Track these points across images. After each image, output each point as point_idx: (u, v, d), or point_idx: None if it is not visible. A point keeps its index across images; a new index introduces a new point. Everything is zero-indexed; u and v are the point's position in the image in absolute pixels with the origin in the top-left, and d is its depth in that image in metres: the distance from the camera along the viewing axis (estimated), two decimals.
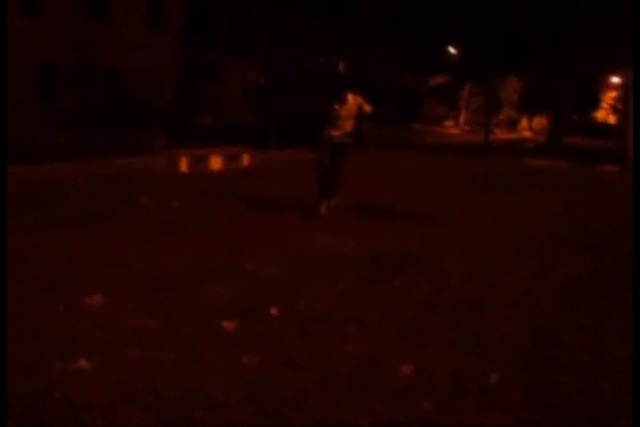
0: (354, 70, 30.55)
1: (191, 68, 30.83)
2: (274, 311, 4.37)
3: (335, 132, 8.03)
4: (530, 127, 45.88)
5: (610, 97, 45.07)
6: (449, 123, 47.67)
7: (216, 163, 13.34)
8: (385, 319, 4.34)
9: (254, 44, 32.89)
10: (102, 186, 9.47)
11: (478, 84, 38.55)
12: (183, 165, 12.66)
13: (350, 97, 8.00)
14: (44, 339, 3.76)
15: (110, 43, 26.29)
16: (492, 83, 34.62)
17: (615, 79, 38.94)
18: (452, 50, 40.78)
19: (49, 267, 5.21)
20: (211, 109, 29.88)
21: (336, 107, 7.96)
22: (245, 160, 14.11)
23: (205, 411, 3.00)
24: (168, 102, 28.46)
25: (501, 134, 40.11)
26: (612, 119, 44.85)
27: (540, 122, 43.35)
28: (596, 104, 45.35)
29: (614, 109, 43.39)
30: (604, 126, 42.49)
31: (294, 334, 4.01)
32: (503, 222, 7.96)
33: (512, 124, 46.80)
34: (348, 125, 8.07)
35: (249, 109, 30.02)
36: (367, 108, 8.14)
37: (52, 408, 2.97)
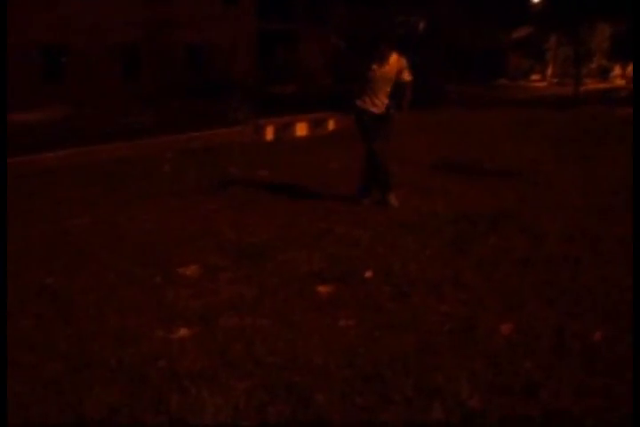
0: (433, 29, 29.91)
1: (269, 37, 30.84)
2: (368, 274, 4.34)
3: (374, 102, 6.53)
4: (623, 75, 43.95)
5: None
6: (535, 76, 46.20)
7: (301, 129, 13.35)
8: (481, 279, 4.25)
9: (330, 9, 32.54)
10: (191, 159, 9.62)
11: (565, 34, 37.06)
12: (269, 134, 12.72)
13: (393, 57, 6.50)
14: (145, 310, 3.85)
15: (187, 18, 26.53)
16: (581, 31, 33.19)
17: None
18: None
19: (144, 240, 5.33)
20: (291, 78, 29.87)
21: (374, 67, 6.47)
22: (330, 125, 14.05)
23: (305, 376, 3.00)
24: (249, 73, 28.61)
25: (592, 84, 38.59)
26: None
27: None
28: None
29: None
30: None
31: (390, 296, 3.97)
32: (597, 177, 7.67)
33: (604, 74, 44.94)
34: (385, 92, 6.57)
35: (329, 75, 29.83)
36: (407, 76, 6.58)
37: (157, 377, 3.04)
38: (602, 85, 38.95)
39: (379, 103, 6.58)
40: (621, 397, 2.79)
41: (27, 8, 21.65)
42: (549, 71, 45.34)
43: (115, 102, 20.89)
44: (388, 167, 6.57)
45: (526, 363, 3.10)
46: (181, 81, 26.22)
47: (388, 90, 6.59)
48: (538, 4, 38.34)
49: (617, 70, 45.74)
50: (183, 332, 3.53)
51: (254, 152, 10.12)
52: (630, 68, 42.74)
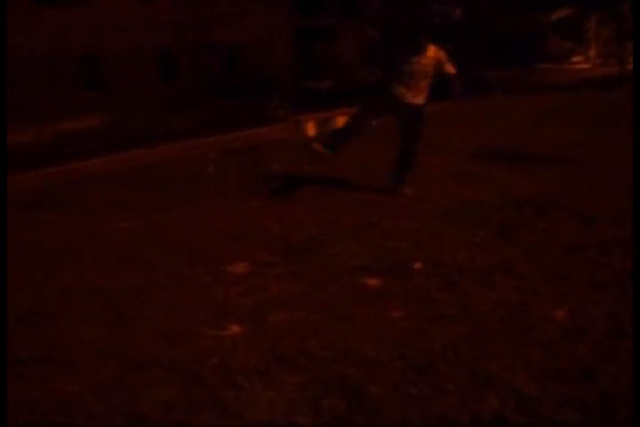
0: (470, 16, 29.60)
1: (305, 33, 30.85)
2: (417, 265, 4.32)
3: (411, 95, 6.44)
4: None
5: None
6: (578, 58, 45.36)
7: (341, 123, 13.32)
8: (532, 265, 4.20)
9: (366, 2, 32.42)
10: (234, 158, 9.66)
11: (606, 13, 36.29)
12: (310, 130, 12.74)
13: (432, 50, 6.40)
14: (196, 309, 3.89)
15: (221, 18, 26.67)
16: (622, 9, 32.45)
17: None
18: None
19: (191, 240, 5.39)
20: (329, 73, 29.86)
21: (413, 59, 6.35)
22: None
23: (358, 368, 3.01)
24: (286, 69, 28.67)
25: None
26: None
27: None
28: None
29: None
30: None
31: (439, 286, 3.95)
32: None
33: None
34: (423, 85, 6.45)
35: (367, 68, 29.74)
36: (450, 68, 6.49)
37: (210, 373, 3.07)
38: None
39: (417, 95, 6.49)
40: None
41: (62, 22, 22.01)
42: (592, 52, 44.48)
43: (154, 106, 21.13)
44: (412, 157, 6.72)
45: (581, 348, 3.06)
46: (219, 81, 26.39)
47: (427, 83, 6.49)
48: None
49: None
50: (234, 329, 3.55)
51: (296, 149, 10.12)
52: None
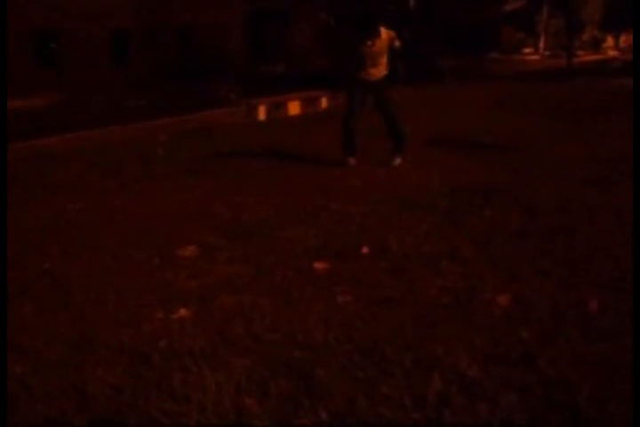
0: (425, 3, 29.68)
1: (259, 16, 30.61)
2: (364, 250, 4.36)
3: (371, 72, 7.24)
4: (616, 46, 43.78)
5: None
6: (528, 49, 45.97)
7: (294, 108, 13.31)
8: (478, 252, 4.28)
9: None
10: (184, 140, 9.60)
11: (557, 5, 36.85)
12: (262, 114, 12.69)
13: (384, 32, 7.18)
14: (144, 292, 3.87)
15: (177, 1, 26.31)
16: (572, 2, 32.97)
17: None
18: None
19: (140, 223, 5.35)
20: (282, 57, 29.72)
21: (368, 43, 7.12)
22: (323, 103, 14.01)
23: (305, 352, 3.03)
24: (239, 53, 28.45)
25: (585, 56, 38.43)
26: None
27: (627, 39, 41.33)
28: None
29: None
30: None
31: (387, 271, 3.99)
32: (593, 148, 7.67)
33: (596, 45, 44.75)
34: (381, 61, 7.25)
35: (320, 53, 29.67)
36: (397, 43, 7.28)
37: (158, 356, 3.07)
38: (595, 57, 38.79)
39: (375, 72, 7.25)
40: (619, 364, 2.83)
41: None
42: (541, 44, 45.14)
43: (107, 87, 20.79)
44: (399, 123, 7.37)
45: (524, 333, 3.13)
46: (172, 64, 26.08)
47: (384, 60, 7.26)
48: None
49: (609, 41, 45.55)
50: (182, 312, 3.55)
51: (247, 132, 10.11)
52: (623, 39, 42.55)
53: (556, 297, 3.52)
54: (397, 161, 7.28)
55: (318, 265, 4.12)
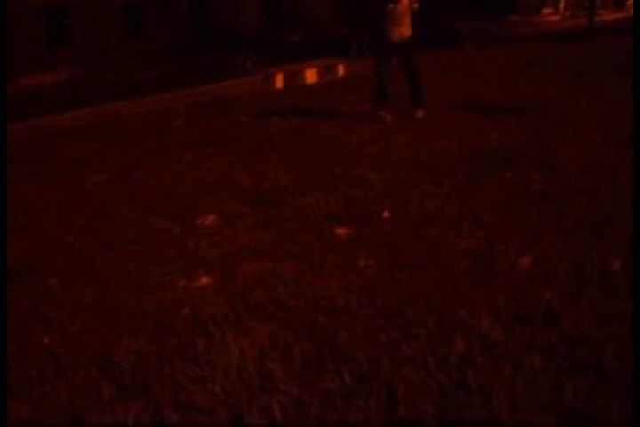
0: None
1: None
2: (385, 214, 4.34)
3: (397, 33, 7.55)
4: None
5: None
6: (548, 10, 45.11)
7: (311, 76, 13.22)
8: (499, 215, 4.24)
9: None
10: (202, 111, 9.58)
11: None
12: (279, 82, 12.61)
13: None
14: (166, 261, 3.90)
15: None
16: None
17: None
18: None
19: (161, 193, 5.37)
20: (298, 25, 29.40)
21: (391, 6, 7.44)
22: (340, 71, 13.89)
23: (327, 316, 3.05)
24: (254, 22, 28.20)
25: (607, 15, 37.63)
26: None
27: None
28: None
29: None
30: None
31: (408, 235, 3.98)
32: (613, 108, 7.53)
33: (620, 3, 43.82)
34: (406, 20, 7.57)
35: (337, 20, 29.33)
36: (415, 4, 7.60)
37: (182, 323, 3.09)
38: (617, 15, 37.95)
39: (401, 33, 7.50)
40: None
41: None
42: (562, 4, 44.26)
43: (121, 61, 20.74)
44: (419, 81, 7.82)
45: (546, 294, 3.11)
46: (187, 35, 25.94)
47: (408, 20, 7.51)
48: None
49: None
50: (204, 280, 3.57)
51: (265, 101, 10.06)
52: None
53: (578, 258, 3.49)
54: (420, 113, 7.70)
55: (339, 230, 4.12)
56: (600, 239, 3.76)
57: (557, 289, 3.17)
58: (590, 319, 2.87)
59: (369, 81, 9.96)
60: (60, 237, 4.49)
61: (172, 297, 3.40)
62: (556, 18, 41.47)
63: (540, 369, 2.54)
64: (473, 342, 2.74)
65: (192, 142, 7.28)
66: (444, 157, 5.72)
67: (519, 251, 3.64)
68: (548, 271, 3.37)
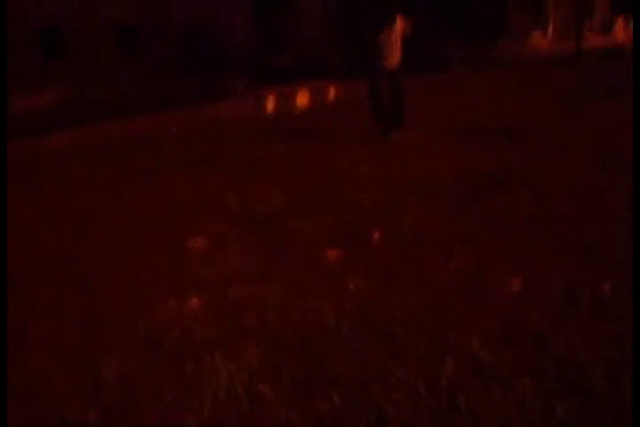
0: None
1: (264, 6, 30.49)
2: (376, 236, 4.35)
3: (390, 60, 7.58)
4: (627, 29, 43.40)
5: None
6: (537, 34, 45.64)
7: (301, 98, 13.28)
8: (489, 237, 4.27)
9: None
10: (194, 132, 9.60)
11: None
12: (270, 104, 12.66)
13: (399, 19, 7.51)
14: (157, 281, 3.89)
15: None
16: None
17: None
18: None
19: (152, 213, 5.36)
20: (289, 47, 29.62)
21: (384, 31, 7.42)
22: (331, 93, 13.96)
23: (318, 338, 3.04)
24: (245, 44, 28.38)
25: (595, 40, 38.11)
26: None
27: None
28: None
29: None
30: None
31: (399, 256, 3.99)
32: (602, 132, 7.62)
33: (607, 29, 44.38)
34: (397, 46, 7.56)
35: (327, 43, 29.57)
36: (408, 29, 7.64)
37: (172, 344, 3.08)
38: (605, 40, 38.44)
39: (395, 57, 7.52)
40: (633, 344, 2.81)
41: None
42: (550, 28, 44.77)
43: (114, 81, 20.80)
44: (403, 107, 7.85)
45: (536, 315, 3.13)
46: (180, 56, 26.07)
47: (400, 44, 7.51)
48: None
49: (620, 24, 45.17)
50: (195, 301, 3.56)
51: (256, 123, 10.09)
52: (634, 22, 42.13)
53: (568, 280, 3.51)
54: (396, 135, 7.75)
55: (330, 253, 4.12)
56: (589, 261, 3.79)
57: (547, 311, 3.19)
58: (580, 341, 2.88)
59: (359, 103, 10.02)
60: (51, 252, 4.49)
61: (162, 317, 3.39)
62: (545, 42, 41.93)
63: (531, 391, 2.54)
64: (463, 365, 2.74)
65: (184, 163, 7.28)
66: (435, 180, 5.76)
67: (509, 273, 3.66)
68: (537, 293, 3.39)
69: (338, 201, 5.30)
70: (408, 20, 7.58)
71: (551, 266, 3.75)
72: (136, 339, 3.15)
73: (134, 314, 3.42)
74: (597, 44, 34.57)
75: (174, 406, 2.61)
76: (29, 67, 21.83)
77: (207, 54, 25.76)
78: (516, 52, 31.61)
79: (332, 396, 2.58)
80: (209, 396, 2.65)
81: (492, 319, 3.11)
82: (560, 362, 2.73)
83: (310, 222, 4.76)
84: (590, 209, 4.76)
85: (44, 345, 3.12)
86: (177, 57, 25.91)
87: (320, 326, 3.17)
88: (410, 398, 2.55)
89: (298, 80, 15.41)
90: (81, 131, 11.03)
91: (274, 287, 3.68)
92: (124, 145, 8.96)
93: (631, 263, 3.64)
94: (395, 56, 7.53)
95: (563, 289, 3.41)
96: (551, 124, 8.38)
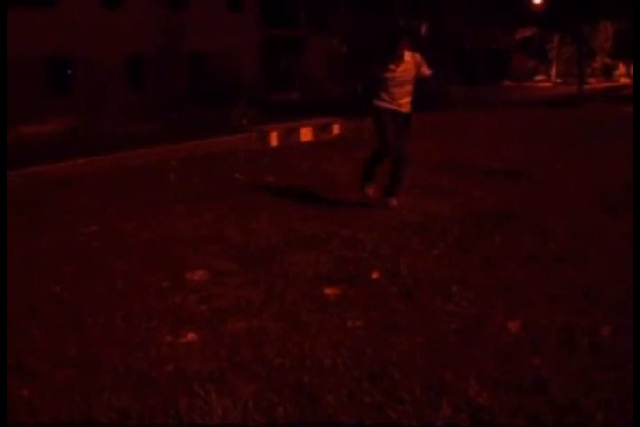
0: (437, 32, 29.93)
1: (273, 44, 30.92)
2: (375, 275, 4.34)
3: (402, 102, 6.45)
4: (628, 73, 43.87)
5: None
6: (540, 77, 46.15)
7: (306, 135, 13.36)
8: (488, 277, 4.25)
9: (334, 14, 32.59)
10: (196, 166, 9.64)
11: (568, 34, 37.00)
12: (274, 140, 12.73)
13: (408, 55, 6.38)
14: (153, 315, 3.86)
15: (191, 27, 26.63)
16: (583, 30, 33.14)
17: None
18: (536, 0, 39.25)
19: (151, 247, 5.35)
20: (296, 84, 29.93)
21: (392, 67, 6.33)
22: (335, 130, 14.05)
23: (313, 377, 3.01)
24: (253, 80, 28.66)
25: (597, 84, 38.53)
26: None
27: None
28: None
29: None
30: None
31: (397, 296, 3.97)
32: (603, 174, 7.65)
33: (608, 73, 44.85)
34: (407, 90, 6.46)
35: (333, 81, 29.87)
36: (427, 71, 6.50)
37: (165, 380, 3.05)
38: (606, 84, 38.85)
39: (403, 103, 6.47)
40: (633, 390, 2.78)
41: (32, 22, 21.82)
42: (553, 71, 45.28)
43: (121, 113, 20.97)
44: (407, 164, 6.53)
45: (534, 359, 3.10)
46: (186, 89, 26.34)
47: (411, 88, 6.48)
48: (540, 4, 38.27)
49: (621, 69, 45.65)
50: (190, 336, 3.53)
51: (260, 158, 10.14)
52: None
53: (567, 323, 3.49)
54: (394, 202, 6.49)
55: (329, 290, 4.10)
56: (589, 304, 3.77)
57: (546, 354, 3.16)
58: (579, 386, 2.84)
59: (363, 140, 10.08)
60: (47, 287, 4.45)
61: (156, 352, 3.36)
62: (548, 84, 42.37)
63: None
64: (459, 408, 2.71)
65: (185, 197, 7.30)
66: (435, 219, 5.76)
67: (508, 314, 3.64)
68: (536, 336, 3.36)
69: (337, 238, 5.30)
70: (423, 59, 6.49)
71: (550, 308, 3.73)
72: (129, 375, 3.11)
73: (128, 350, 3.38)
74: (599, 87, 34.97)
75: None
76: (36, 97, 22.05)
77: (214, 88, 26.03)
78: (519, 93, 31.95)
79: None
80: None
81: (489, 362, 3.08)
82: (558, 407, 2.69)
83: (309, 259, 4.75)
84: (590, 251, 4.75)
85: (36, 386, 3.08)
86: (184, 90, 26.18)
87: (316, 363, 3.14)
88: None
89: (304, 116, 15.52)
90: (84, 161, 11.11)
91: (271, 323, 3.66)
92: (126, 177, 9.00)
93: (631, 307, 3.62)
94: (407, 99, 6.48)
95: (561, 332, 3.38)
96: (553, 165, 8.43)
